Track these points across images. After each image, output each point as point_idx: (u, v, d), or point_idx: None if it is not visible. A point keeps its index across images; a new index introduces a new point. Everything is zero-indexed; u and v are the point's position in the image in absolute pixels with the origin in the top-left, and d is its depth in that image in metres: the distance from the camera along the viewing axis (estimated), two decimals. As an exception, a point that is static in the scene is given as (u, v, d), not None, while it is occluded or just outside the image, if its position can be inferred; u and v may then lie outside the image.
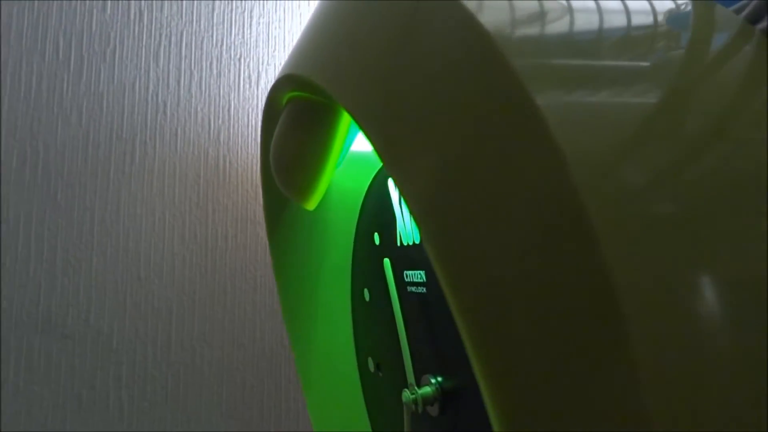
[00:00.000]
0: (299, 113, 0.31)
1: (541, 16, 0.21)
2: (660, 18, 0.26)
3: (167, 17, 0.67)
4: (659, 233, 0.17)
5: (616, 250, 0.16)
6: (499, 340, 0.18)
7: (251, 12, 0.72)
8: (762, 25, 0.25)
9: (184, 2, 0.68)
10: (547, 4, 0.22)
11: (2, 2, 0.62)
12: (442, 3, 0.20)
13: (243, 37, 0.71)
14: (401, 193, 0.20)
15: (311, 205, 0.35)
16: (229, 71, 0.69)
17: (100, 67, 0.64)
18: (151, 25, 0.67)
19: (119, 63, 0.65)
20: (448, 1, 0.20)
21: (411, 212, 0.21)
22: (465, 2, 0.20)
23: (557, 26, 0.21)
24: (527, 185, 0.17)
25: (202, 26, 0.69)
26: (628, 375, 0.16)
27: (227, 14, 0.70)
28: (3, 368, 0.57)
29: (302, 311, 0.44)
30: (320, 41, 0.28)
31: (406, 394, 0.35)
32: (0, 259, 0.57)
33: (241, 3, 0.71)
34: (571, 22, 0.21)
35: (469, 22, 0.19)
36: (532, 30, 0.20)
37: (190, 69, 0.67)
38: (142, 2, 0.67)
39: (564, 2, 0.22)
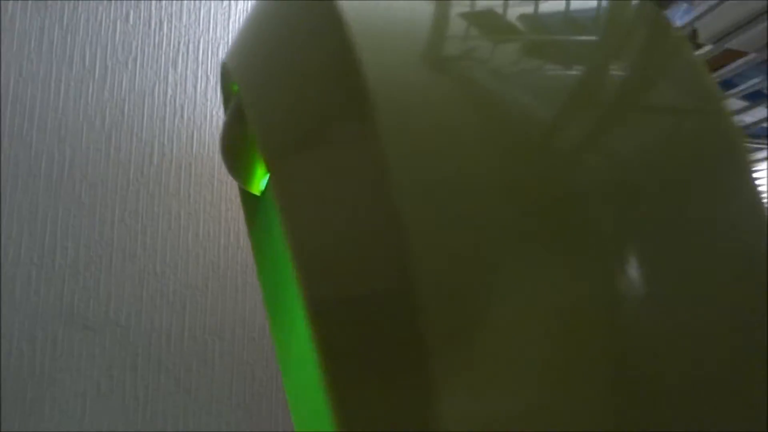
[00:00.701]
0: (238, 101, 0.33)
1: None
2: None
3: (185, 25, 0.71)
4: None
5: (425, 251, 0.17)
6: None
7: (266, 18, 0.74)
8: None
9: (202, 11, 0.71)
10: None
11: (35, 17, 0.67)
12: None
13: (257, 42, 0.73)
14: (273, 185, 0.21)
15: (255, 189, 0.37)
16: (243, 75, 0.72)
17: (122, 75, 0.68)
18: (171, 33, 0.70)
19: (140, 70, 0.69)
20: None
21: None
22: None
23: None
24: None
25: (218, 33, 0.72)
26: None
27: (243, 21, 0.73)
28: (31, 356, 0.61)
29: (281, 306, 0.45)
30: (240, 31, 0.30)
31: None
32: (28, 254, 0.62)
33: (256, 10, 0.74)
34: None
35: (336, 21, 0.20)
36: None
37: (207, 74, 0.70)
38: (163, 12, 0.70)
39: None
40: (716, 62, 0.37)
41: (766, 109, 0.47)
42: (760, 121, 0.43)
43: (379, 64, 0.18)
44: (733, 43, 0.33)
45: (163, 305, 0.65)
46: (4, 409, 0.59)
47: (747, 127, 0.46)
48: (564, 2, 0.24)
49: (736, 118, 0.44)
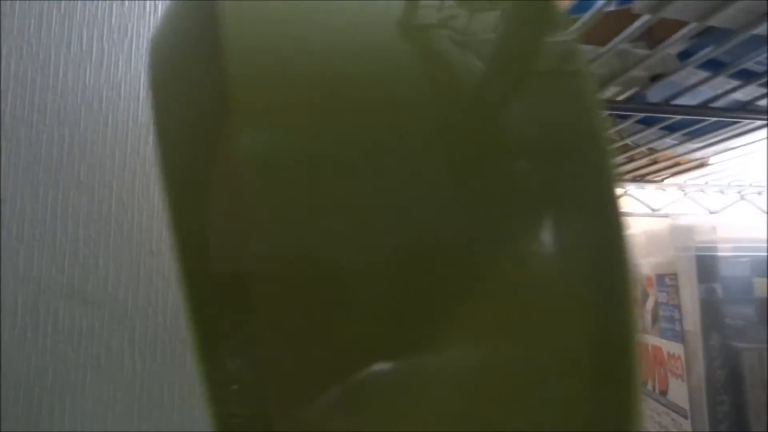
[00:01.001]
0: None
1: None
2: None
3: (179, 7, 0.72)
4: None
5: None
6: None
7: None
8: None
9: (196, -8, 0.72)
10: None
11: (34, 1, 0.69)
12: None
13: (250, 22, 0.74)
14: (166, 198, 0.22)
15: None
16: (236, 56, 0.73)
17: (118, 57, 0.70)
18: (165, 15, 0.71)
19: (136, 52, 0.70)
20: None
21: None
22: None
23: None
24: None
25: (212, 14, 0.73)
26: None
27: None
28: (34, 330, 0.64)
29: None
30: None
31: None
32: (30, 231, 0.65)
33: (249, -10, 0.74)
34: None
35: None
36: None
37: (200, 55, 0.72)
38: (157, -6, 0.71)
39: None
40: (663, 33, 0.36)
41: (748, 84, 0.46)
42: (727, 92, 0.42)
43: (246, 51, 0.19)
44: (670, 13, 0.33)
45: (158, 281, 0.67)
46: (7, 382, 0.62)
47: (717, 97, 0.44)
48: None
49: (699, 88, 0.43)
